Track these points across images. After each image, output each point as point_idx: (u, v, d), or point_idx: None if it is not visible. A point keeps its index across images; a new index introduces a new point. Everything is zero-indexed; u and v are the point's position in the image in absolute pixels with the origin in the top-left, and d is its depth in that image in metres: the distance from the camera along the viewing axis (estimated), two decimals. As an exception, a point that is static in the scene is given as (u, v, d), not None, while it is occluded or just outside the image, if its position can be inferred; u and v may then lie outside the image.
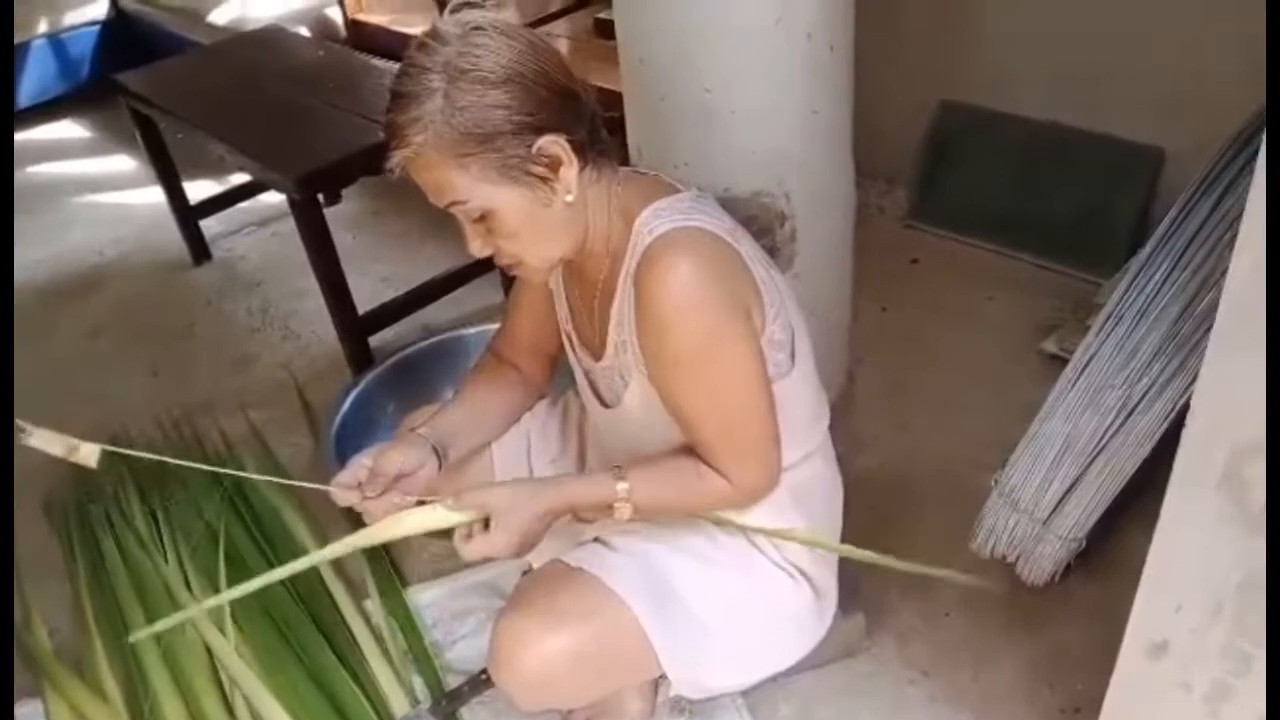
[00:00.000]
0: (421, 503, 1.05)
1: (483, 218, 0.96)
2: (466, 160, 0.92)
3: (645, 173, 1.12)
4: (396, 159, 0.94)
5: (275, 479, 1.12)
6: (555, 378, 1.32)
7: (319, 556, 1.06)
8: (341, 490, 1.06)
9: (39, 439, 0.91)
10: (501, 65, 0.91)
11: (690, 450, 1.05)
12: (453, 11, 0.94)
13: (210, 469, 1.12)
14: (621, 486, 1.03)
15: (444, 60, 0.91)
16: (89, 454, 0.91)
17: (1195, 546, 0.89)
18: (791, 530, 1.13)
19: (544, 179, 0.95)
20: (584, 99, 0.97)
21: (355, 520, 1.11)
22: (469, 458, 1.23)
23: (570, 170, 0.95)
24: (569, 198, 0.97)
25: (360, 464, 1.08)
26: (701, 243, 0.99)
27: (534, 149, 0.93)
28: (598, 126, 0.99)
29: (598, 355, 1.11)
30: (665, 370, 1.02)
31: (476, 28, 0.92)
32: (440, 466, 1.13)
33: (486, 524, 1.01)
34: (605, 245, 1.04)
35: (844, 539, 1.25)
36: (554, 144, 0.93)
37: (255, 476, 1.06)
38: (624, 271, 1.02)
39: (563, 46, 2.99)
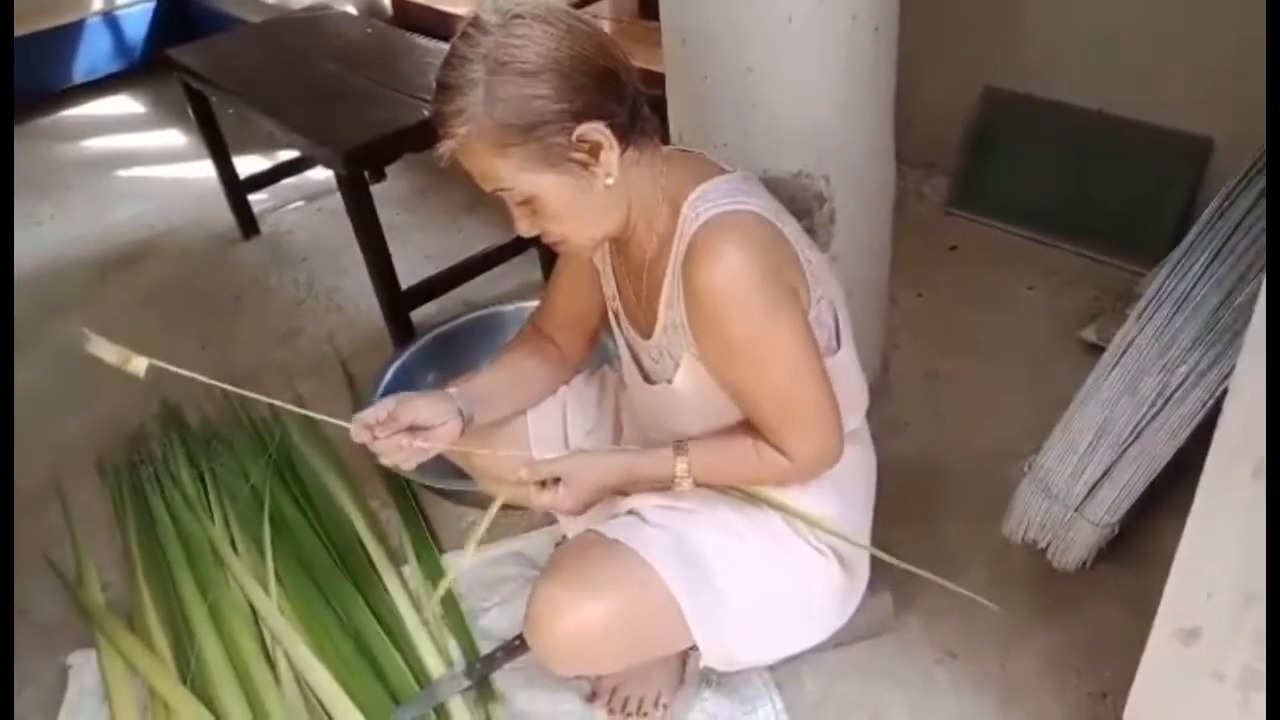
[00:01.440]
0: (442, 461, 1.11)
1: (527, 201, 0.99)
2: (508, 150, 0.94)
3: (689, 150, 1.13)
4: (443, 149, 0.96)
5: (299, 409, 1.14)
6: (593, 353, 1.35)
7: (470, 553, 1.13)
8: (358, 427, 1.09)
9: (96, 346, 0.97)
10: (540, 55, 0.92)
11: (749, 427, 1.08)
12: (493, 1, 0.96)
13: (243, 393, 1.16)
14: (682, 464, 1.08)
15: (484, 51, 0.92)
16: (139, 366, 0.98)
17: (1229, 534, 0.89)
18: (821, 518, 1.15)
19: (585, 164, 0.96)
20: (625, 79, 0.98)
21: (390, 476, 1.15)
22: (501, 423, 1.26)
23: (611, 154, 0.97)
24: (609, 181, 0.98)
25: (383, 405, 1.11)
26: (747, 227, 1.01)
27: (574, 136, 0.94)
28: (640, 105, 1.00)
29: (645, 333, 1.13)
30: (720, 356, 1.04)
31: (516, 16, 0.93)
32: (463, 428, 1.15)
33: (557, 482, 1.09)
34: (650, 225, 1.06)
35: (875, 521, 1.26)
36: (594, 130, 0.95)
37: (286, 406, 1.10)
38: (672, 254, 1.04)
39: (606, 27, 3.00)
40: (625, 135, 0.98)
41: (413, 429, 1.11)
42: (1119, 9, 2.06)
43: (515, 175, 0.96)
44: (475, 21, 0.94)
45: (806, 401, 1.04)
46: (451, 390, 1.17)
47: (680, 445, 1.09)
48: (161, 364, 0.99)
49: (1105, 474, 1.28)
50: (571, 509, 1.11)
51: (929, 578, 1.11)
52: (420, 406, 1.12)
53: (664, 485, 1.12)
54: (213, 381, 1.06)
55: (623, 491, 1.18)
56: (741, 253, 0.98)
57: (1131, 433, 1.25)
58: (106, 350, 0.97)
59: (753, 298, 0.99)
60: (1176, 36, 1.99)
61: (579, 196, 0.99)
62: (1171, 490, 1.28)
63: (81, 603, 1.65)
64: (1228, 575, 0.90)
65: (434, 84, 0.96)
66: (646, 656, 1.29)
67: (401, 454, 1.10)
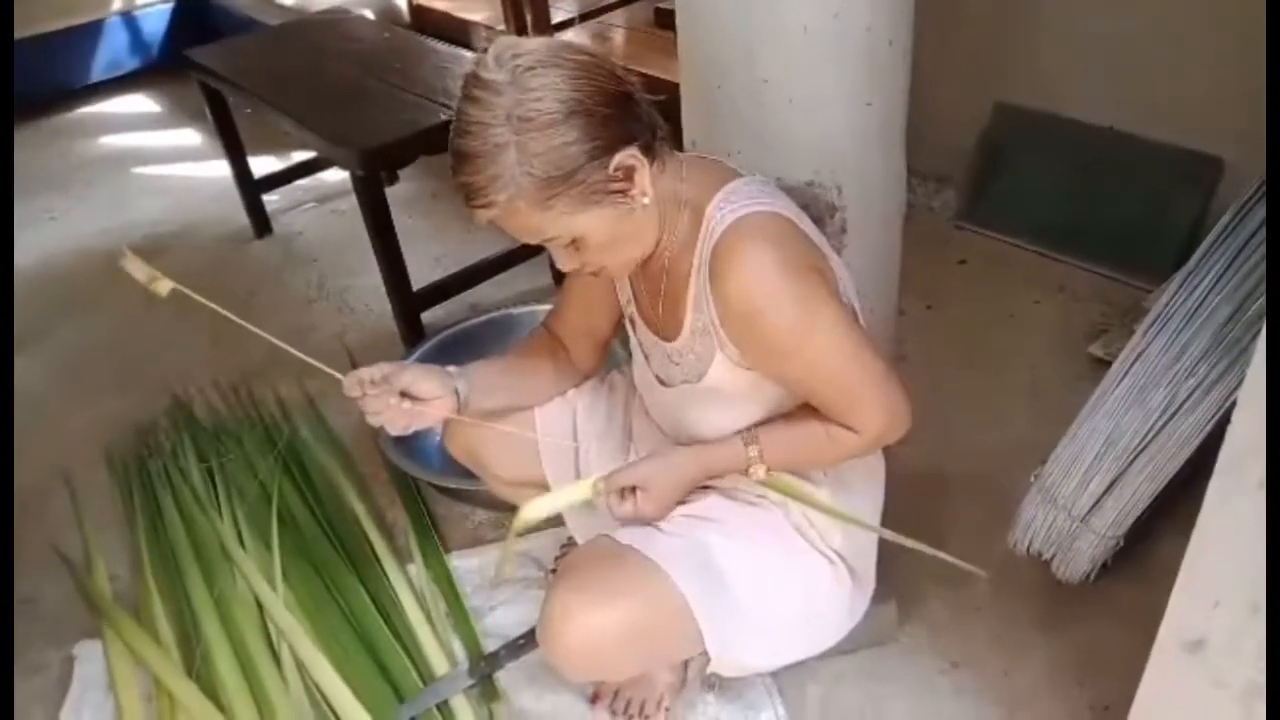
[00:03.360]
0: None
1: (573, 243, 0.99)
2: (552, 202, 0.93)
3: (705, 157, 1.14)
4: (484, 218, 0.95)
5: (290, 348, 1.16)
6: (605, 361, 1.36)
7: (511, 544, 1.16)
8: (352, 381, 1.10)
9: (128, 262, 1.04)
10: (561, 101, 0.90)
11: (813, 409, 1.09)
12: (492, 55, 0.92)
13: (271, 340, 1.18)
14: (753, 450, 1.09)
15: (504, 112, 0.90)
16: (164, 287, 1.06)
17: (1235, 544, 0.89)
18: (832, 505, 1.16)
19: (623, 191, 0.97)
20: (637, 96, 0.98)
21: (397, 474, 1.15)
22: (501, 416, 1.26)
23: (645, 173, 0.97)
24: (646, 201, 0.99)
25: (380, 367, 1.12)
26: (774, 226, 1.02)
27: (611, 168, 0.94)
28: (654, 117, 1.01)
29: (669, 336, 1.13)
30: (768, 356, 1.05)
31: (527, 69, 0.90)
32: (457, 408, 1.15)
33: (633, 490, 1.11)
34: (671, 230, 1.06)
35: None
36: (628, 157, 0.95)
37: (287, 346, 1.12)
38: (697, 257, 1.05)
39: (621, 37, 3.02)
40: (650, 150, 0.99)
41: (406, 397, 1.11)
42: (1131, 28, 2.07)
43: (558, 222, 0.96)
44: (481, 83, 0.91)
45: (863, 375, 1.05)
46: (452, 369, 1.17)
47: (749, 434, 1.10)
48: (185, 290, 1.06)
49: (1111, 485, 1.29)
50: (655, 515, 1.12)
51: (929, 552, 1.10)
52: (417, 376, 1.12)
53: (735, 476, 1.13)
54: (243, 322, 1.15)
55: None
56: (767, 253, 0.99)
57: (1139, 444, 1.26)
58: (137, 268, 1.04)
59: (786, 296, 1.00)
60: (1188, 56, 2.01)
61: (621, 223, 0.99)
62: (1176, 505, 1.28)
63: (89, 594, 1.66)
64: (1233, 586, 0.90)
65: (454, 155, 0.93)
66: (658, 662, 1.30)
67: (388, 414, 1.10)
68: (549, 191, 0.92)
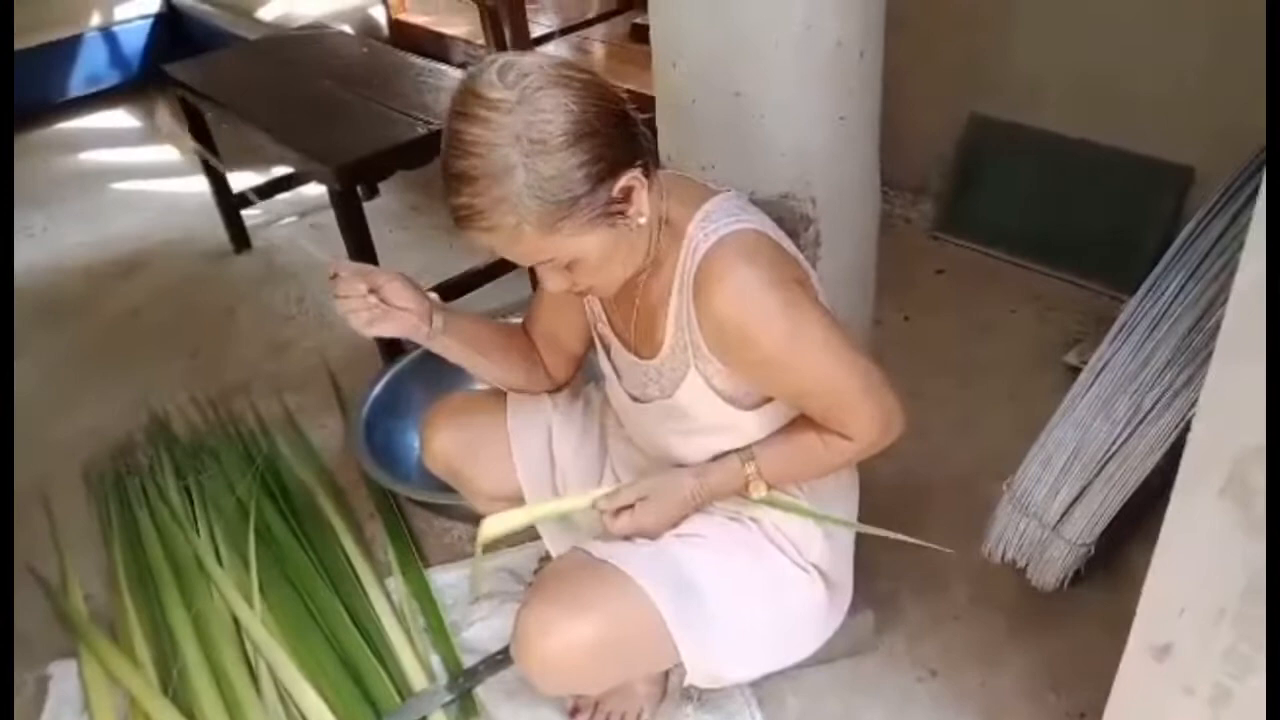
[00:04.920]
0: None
1: (569, 264, 0.98)
2: (559, 225, 0.91)
3: (681, 175, 1.15)
4: (485, 241, 0.92)
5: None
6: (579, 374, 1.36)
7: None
8: (338, 264, 1.10)
9: (160, 118, 1.02)
10: (571, 122, 0.88)
11: (808, 420, 1.10)
12: (494, 73, 0.89)
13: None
14: (750, 468, 1.10)
15: (514, 133, 0.87)
16: (186, 144, 1.04)
17: (1199, 550, 0.90)
18: (801, 504, 1.17)
19: (622, 212, 0.96)
20: (632, 116, 0.97)
21: (376, 489, 1.16)
22: (484, 447, 1.29)
23: (643, 194, 0.97)
24: (642, 220, 0.98)
25: (365, 266, 1.12)
26: (755, 243, 1.03)
27: (615, 191, 0.94)
28: (648, 137, 1.00)
29: (646, 354, 1.13)
30: (759, 370, 1.06)
31: (537, 89, 0.88)
32: (427, 331, 1.13)
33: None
34: (647, 250, 1.06)
35: (858, 540, 1.28)
36: (631, 179, 0.95)
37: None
38: (677, 274, 1.05)
39: (599, 51, 3.04)
40: (647, 169, 0.98)
41: (379, 298, 1.08)
42: (1104, 39, 2.10)
43: (560, 245, 0.94)
44: (485, 102, 0.87)
45: (855, 381, 1.06)
46: (434, 297, 1.15)
47: (745, 452, 1.11)
48: (204, 152, 1.05)
49: (1080, 494, 1.30)
50: (655, 528, 1.13)
51: (897, 538, 1.14)
52: (398, 285, 1.10)
53: (739, 493, 1.14)
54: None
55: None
56: (754, 271, 1.00)
57: (1106, 453, 1.27)
58: (167, 122, 1.04)
59: (773, 310, 1.00)
60: (1160, 67, 2.04)
61: (618, 243, 0.98)
62: (1148, 511, 1.30)
63: (64, 612, 1.65)
64: (1198, 592, 0.92)
65: (452, 176, 0.90)
66: (633, 675, 1.30)
67: (355, 303, 1.07)
68: (557, 216, 0.90)
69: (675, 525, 1.16)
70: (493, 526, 1.12)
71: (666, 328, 1.08)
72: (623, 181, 0.94)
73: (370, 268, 1.12)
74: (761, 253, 1.03)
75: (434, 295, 1.16)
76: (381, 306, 1.09)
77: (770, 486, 1.12)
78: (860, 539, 1.27)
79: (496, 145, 0.87)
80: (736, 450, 1.12)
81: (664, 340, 1.09)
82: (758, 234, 1.04)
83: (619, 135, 0.93)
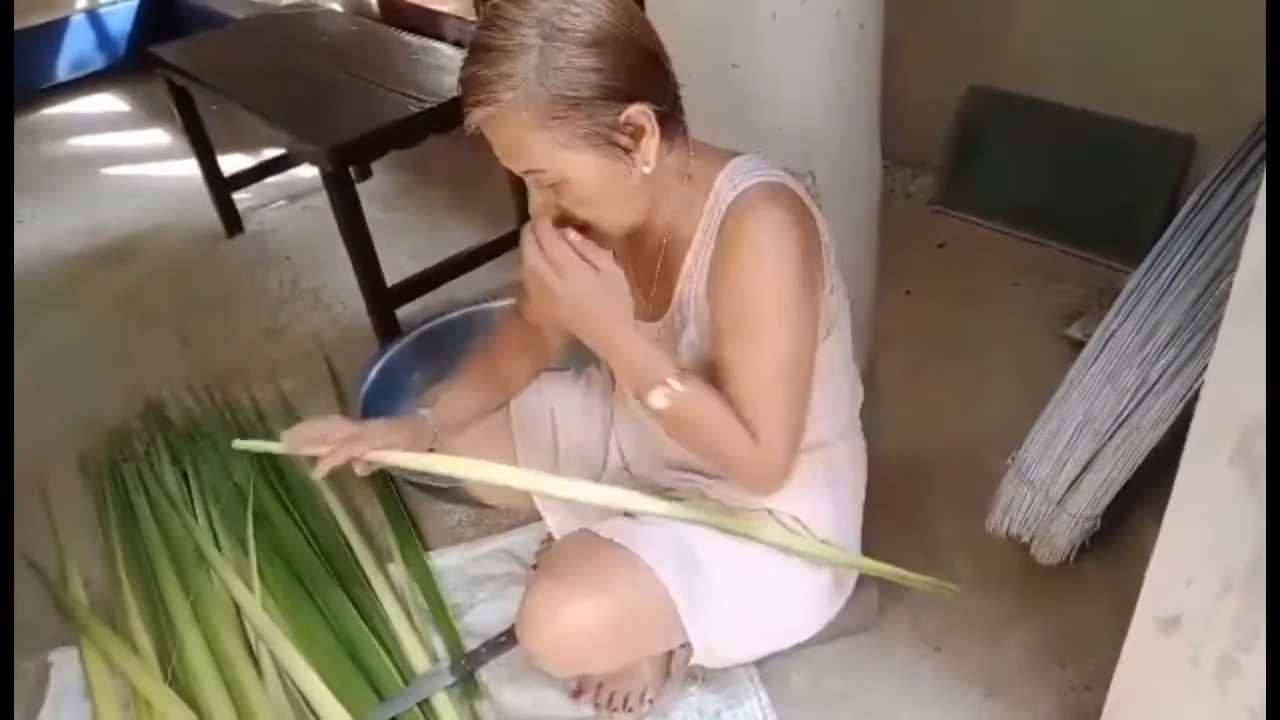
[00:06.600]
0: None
1: (557, 184, 0.94)
2: (553, 124, 0.89)
3: (709, 143, 1.09)
4: (479, 116, 0.90)
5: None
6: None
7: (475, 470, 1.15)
8: (297, 439, 1.13)
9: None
10: (599, 26, 0.88)
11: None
12: None
13: None
14: (674, 382, 0.98)
15: (540, 16, 0.87)
16: None
17: (1207, 521, 0.90)
18: (808, 539, 1.16)
19: (626, 149, 0.92)
20: (663, 61, 0.95)
21: (375, 473, 1.17)
22: (487, 426, 1.27)
23: (652, 141, 0.93)
24: (646, 170, 0.95)
25: (336, 425, 1.14)
26: (792, 200, 1.00)
27: (622, 117, 0.91)
28: (678, 98, 0.98)
29: (652, 315, 1.11)
30: (731, 317, 1.00)
31: None
32: (432, 440, 1.17)
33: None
34: (669, 212, 1.03)
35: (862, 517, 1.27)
36: (641, 114, 0.91)
37: None
38: (700, 228, 1.02)
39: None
40: (665, 124, 0.95)
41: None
42: (1104, 9, 2.08)
43: (552, 152, 0.90)
44: None
45: (792, 388, 1.02)
46: (424, 412, 1.18)
47: (684, 371, 1.00)
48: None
49: (1087, 466, 1.29)
50: (559, 294, 0.96)
51: (907, 577, 1.11)
52: (377, 441, 1.13)
53: (639, 386, 1.00)
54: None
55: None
56: (785, 217, 0.97)
57: (1112, 425, 1.26)
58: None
59: (786, 265, 0.96)
60: (1160, 36, 2.01)
61: (613, 182, 0.94)
62: (1153, 485, 1.29)
63: (63, 600, 1.64)
64: (1205, 564, 0.91)
65: (472, 46, 0.89)
66: (640, 654, 1.29)
67: (348, 464, 1.12)
68: (554, 110, 0.88)
69: (574, 316, 0.98)
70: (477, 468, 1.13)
71: (678, 282, 1.06)
72: (631, 111, 0.91)
73: (343, 429, 1.13)
74: (798, 211, 0.99)
75: (423, 412, 1.18)
76: (376, 456, 1.12)
77: (669, 409, 0.99)
78: (864, 516, 1.26)
79: (521, 24, 0.87)
80: (679, 368, 1.00)
81: (673, 295, 1.07)
82: (791, 190, 1.01)
83: (641, 66, 0.91)
